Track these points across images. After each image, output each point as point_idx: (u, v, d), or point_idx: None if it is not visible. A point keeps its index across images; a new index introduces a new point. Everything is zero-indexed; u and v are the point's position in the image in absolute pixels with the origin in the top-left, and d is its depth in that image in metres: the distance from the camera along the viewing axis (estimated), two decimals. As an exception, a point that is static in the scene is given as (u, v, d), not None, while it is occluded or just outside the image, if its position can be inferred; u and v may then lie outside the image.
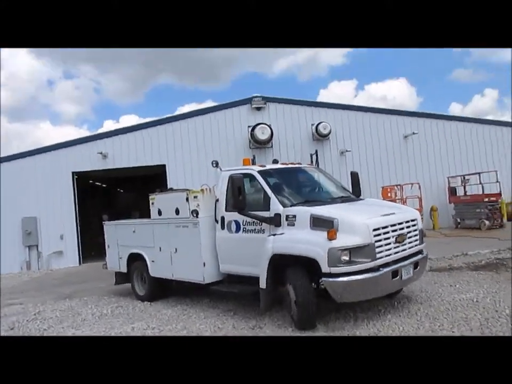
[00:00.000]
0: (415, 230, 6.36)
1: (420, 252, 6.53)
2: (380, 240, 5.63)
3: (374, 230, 5.58)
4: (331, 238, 5.38)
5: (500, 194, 16.29)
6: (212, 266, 7.13)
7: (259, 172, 6.75)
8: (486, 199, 16.04)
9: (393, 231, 5.85)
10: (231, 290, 7.00)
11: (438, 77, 67.92)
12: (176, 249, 7.65)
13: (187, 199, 7.42)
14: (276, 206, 6.23)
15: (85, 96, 75.45)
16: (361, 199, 7.25)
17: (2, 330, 7.05)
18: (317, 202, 6.41)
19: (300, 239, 5.77)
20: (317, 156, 17.34)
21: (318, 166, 17.22)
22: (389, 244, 5.76)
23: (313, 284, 5.85)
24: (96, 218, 13.79)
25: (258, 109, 17.94)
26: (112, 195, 27.17)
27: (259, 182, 6.60)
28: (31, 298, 10.00)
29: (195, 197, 7.40)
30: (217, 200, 7.15)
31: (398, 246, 5.91)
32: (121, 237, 9.08)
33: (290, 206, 6.21)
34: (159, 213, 8.11)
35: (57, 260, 16.74)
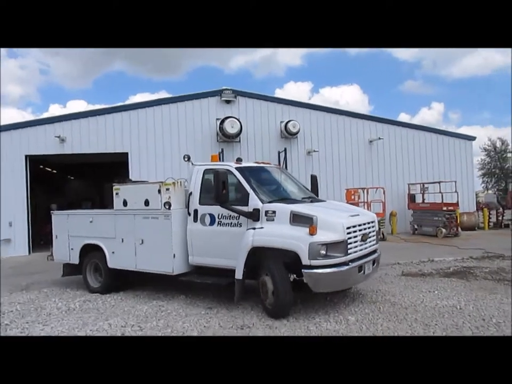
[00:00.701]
0: (374, 231, 7.13)
1: (375, 250, 7.18)
2: (350, 238, 6.24)
3: (347, 228, 6.20)
4: (312, 233, 5.90)
5: (457, 204, 16.87)
6: (181, 258, 7.25)
7: (237, 168, 7.03)
8: (445, 208, 16.54)
9: (359, 230, 6.54)
10: (204, 281, 7.10)
11: (389, 86, 70.29)
12: (142, 240, 7.59)
13: (159, 191, 7.45)
14: (254, 201, 6.56)
15: (30, 78, 71.57)
16: (323, 201, 7.76)
17: (-44, 324, 6.36)
18: (290, 201, 6.93)
19: (281, 233, 6.16)
20: (285, 153, 17.23)
21: (286, 164, 17.19)
22: (356, 241, 6.42)
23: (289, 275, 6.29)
24: (46, 206, 13.00)
25: (228, 102, 17.57)
26: (64, 183, 25.81)
27: (237, 178, 6.89)
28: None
29: (167, 189, 7.47)
30: (190, 194, 7.29)
31: (362, 244, 6.59)
32: (73, 227, 8.77)
33: (268, 202, 6.59)
34: (125, 203, 7.97)
35: (4, 248, 15.58)
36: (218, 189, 6.53)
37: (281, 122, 17.87)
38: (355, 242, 6.37)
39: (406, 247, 13.82)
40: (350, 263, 6.18)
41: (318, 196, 8.15)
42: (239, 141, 17.60)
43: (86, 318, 6.49)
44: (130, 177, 16.33)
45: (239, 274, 6.38)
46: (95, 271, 8.55)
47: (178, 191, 7.53)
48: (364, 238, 6.63)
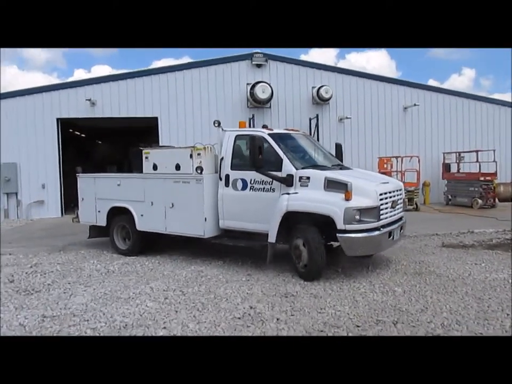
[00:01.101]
0: (401, 199, 7.27)
1: (402, 217, 7.31)
2: (382, 204, 6.39)
3: (380, 194, 6.36)
4: (348, 198, 6.06)
5: (495, 174, 16.24)
6: (212, 221, 7.40)
7: (269, 134, 7.11)
8: (482, 178, 15.97)
9: (390, 197, 6.71)
10: (237, 244, 7.33)
11: (418, 53, 67.58)
12: (172, 204, 7.69)
13: (191, 156, 7.58)
14: (288, 167, 6.68)
15: (58, 41, 71.36)
16: (350, 168, 7.89)
17: (1, 283, 6.42)
18: (321, 167, 7.02)
19: (316, 198, 6.31)
20: (317, 120, 16.78)
21: (317, 131, 16.78)
22: (387, 208, 6.59)
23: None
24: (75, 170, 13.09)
25: (259, 66, 17.09)
26: (92, 147, 25.96)
27: (270, 145, 6.96)
28: (20, 249, 9.30)
29: (198, 154, 7.58)
30: (221, 159, 7.38)
31: (391, 211, 6.75)
32: (100, 190, 8.83)
33: (302, 168, 6.70)
34: (154, 167, 8.10)
35: (37, 210, 15.85)
36: (254, 155, 6.62)
37: (313, 87, 17.33)
38: (386, 208, 6.54)
39: (441, 218, 13.45)
40: (381, 229, 6.34)
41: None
42: (270, 106, 17.21)
43: (126, 280, 6.48)
44: (160, 142, 16.34)
45: (272, 238, 6.58)
46: (122, 233, 8.67)
47: (208, 156, 7.64)
48: (393, 204, 6.81)
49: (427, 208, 16.15)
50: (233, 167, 7.26)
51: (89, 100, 15.85)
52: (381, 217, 6.35)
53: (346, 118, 17.53)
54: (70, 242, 9.88)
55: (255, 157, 6.61)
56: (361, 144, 18.03)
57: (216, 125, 7.49)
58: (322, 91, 16.87)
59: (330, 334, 4.35)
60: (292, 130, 8.31)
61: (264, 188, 6.91)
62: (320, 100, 17.17)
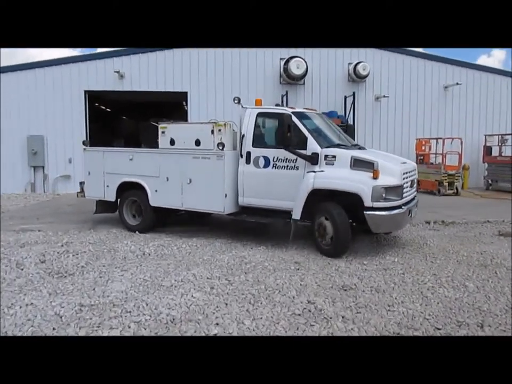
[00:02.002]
0: (415, 179, 7.45)
1: (415, 197, 7.49)
2: (404, 183, 6.58)
3: (403, 174, 6.59)
4: (376, 177, 6.19)
5: (543, 158, 15.25)
6: (231, 198, 7.43)
7: (293, 113, 7.05)
8: (527, 162, 15.01)
9: (409, 176, 6.92)
10: (260, 221, 7.42)
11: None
12: (190, 179, 7.62)
13: (212, 132, 7.42)
14: (313, 145, 6.76)
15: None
16: (365, 148, 8.08)
17: (32, 263, 6.01)
18: (343, 146, 7.14)
19: (343, 176, 6.42)
20: (354, 98, 15.91)
21: (354, 109, 15.94)
22: (407, 187, 6.77)
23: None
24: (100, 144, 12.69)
25: (293, 40, 16.24)
26: (118, 122, 25.51)
27: (295, 123, 6.92)
28: (48, 225, 8.94)
29: (219, 130, 7.44)
30: (243, 136, 7.35)
31: (410, 190, 6.97)
32: (110, 164, 8.59)
33: (326, 147, 6.79)
34: (172, 142, 7.89)
35: (64, 184, 15.56)
36: (284, 133, 6.65)
37: (349, 64, 16.44)
38: (406, 187, 6.71)
39: (485, 204, 12.62)
40: (403, 207, 6.52)
41: None
42: (304, 83, 16.44)
43: (164, 265, 5.99)
44: (188, 118, 15.79)
45: (297, 215, 6.70)
46: (131, 209, 8.55)
47: (228, 133, 7.53)
48: (412, 184, 7.06)
49: (467, 193, 15.30)
50: (254, 145, 7.26)
51: (118, 72, 15.33)
52: (403, 195, 6.57)
53: (384, 96, 16.62)
54: (100, 220, 9.47)
55: (284, 135, 6.65)
56: (398, 124, 17.14)
57: (236, 101, 7.39)
58: (359, 68, 15.97)
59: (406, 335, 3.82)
60: (310, 109, 8.25)
61: (287, 166, 6.96)
62: (356, 77, 16.30)
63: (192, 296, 4.73)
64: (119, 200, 8.62)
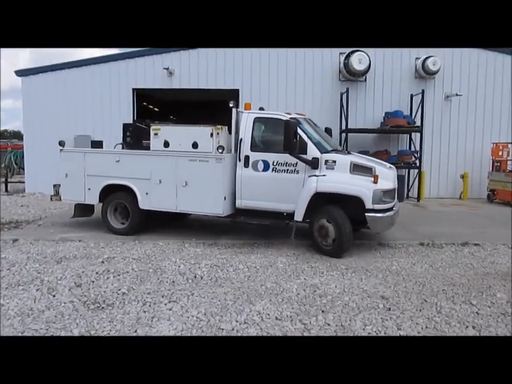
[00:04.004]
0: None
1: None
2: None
3: (395, 177, 7.33)
4: (376, 181, 6.65)
5: None
6: (229, 200, 7.53)
7: (291, 119, 7.09)
8: None
9: (396, 180, 7.43)
10: (262, 223, 7.60)
11: None
12: (186, 182, 7.56)
13: (211, 135, 7.43)
14: (313, 151, 7.07)
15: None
16: (351, 153, 8.61)
17: (66, 287, 5.11)
18: (340, 152, 7.82)
19: (344, 180, 6.80)
20: (422, 96, 14.34)
21: (422, 109, 14.38)
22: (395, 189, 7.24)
23: None
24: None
25: (355, 33, 14.91)
26: (165, 121, 24.95)
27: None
28: (90, 234, 8.15)
29: (217, 133, 7.50)
30: (240, 140, 7.45)
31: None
32: (92, 166, 8.27)
33: (324, 152, 7.13)
34: (166, 144, 7.76)
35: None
36: (289, 138, 6.77)
37: (416, 58, 14.89)
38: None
39: None
40: (394, 208, 7.08)
41: None
42: (365, 80, 15.07)
43: (221, 295, 4.92)
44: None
45: (299, 217, 6.97)
46: (116, 213, 8.32)
47: (225, 136, 7.66)
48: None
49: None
50: (253, 149, 7.39)
51: (167, 68, 14.56)
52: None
53: (456, 95, 14.94)
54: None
55: (290, 140, 6.78)
56: (470, 126, 15.37)
57: (231, 105, 7.48)
58: (429, 63, 14.42)
59: None
60: (301, 114, 8.24)
61: (287, 170, 7.17)
62: (425, 73, 14.75)
63: (261, 349, 3.62)
64: (102, 203, 8.32)
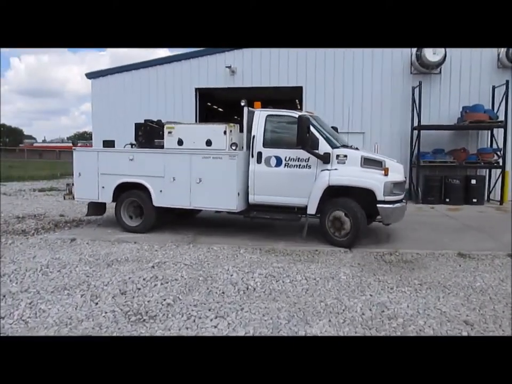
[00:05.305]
0: None
1: None
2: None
3: (403, 171, 7.62)
4: (386, 174, 6.99)
5: None
6: (243, 196, 7.69)
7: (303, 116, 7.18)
8: None
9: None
10: (274, 218, 7.82)
11: None
12: (200, 179, 7.69)
13: (225, 132, 7.58)
14: (325, 146, 7.28)
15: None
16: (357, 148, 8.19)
17: (110, 294, 4.82)
18: (350, 147, 7.70)
19: (356, 174, 7.05)
20: (507, 88, 12.92)
21: (506, 103, 12.97)
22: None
23: None
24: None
25: (429, 22, 13.78)
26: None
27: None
28: (147, 235, 7.97)
29: (230, 131, 7.61)
30: (253, 137, 7.61)
31: None
32: (106, 165, 8.35)
33: (335, 147, 7.31)
34: (180, 143, 7.91)
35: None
36: (303, 134, 6.94)
37: (500, 47, 13.50)
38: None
39: None
40: (403, 200, 7.38)
41: None
42: (440, 72, 13.92)
43: (274, 311, 4.37)
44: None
45: (312, 210, 7.25)
46: (128, 210, 8.42)
47: (237, 133, 7.79)
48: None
49: None
50: (265, 145, 7.56)
51: (229, 67, 14.35)
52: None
53: (547, 85, 13.34)
54: (202, 230, 8.35)
55: (304, 136, 6.95)
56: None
57: (243, 104, 7.58)
58: (514, 50, 13.00)
59: None
60: (310, 112, 8.31)
61: (300, 165, 7.37)
62: (509, 62, 13.41)
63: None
64: (116, 202, 8.40)
